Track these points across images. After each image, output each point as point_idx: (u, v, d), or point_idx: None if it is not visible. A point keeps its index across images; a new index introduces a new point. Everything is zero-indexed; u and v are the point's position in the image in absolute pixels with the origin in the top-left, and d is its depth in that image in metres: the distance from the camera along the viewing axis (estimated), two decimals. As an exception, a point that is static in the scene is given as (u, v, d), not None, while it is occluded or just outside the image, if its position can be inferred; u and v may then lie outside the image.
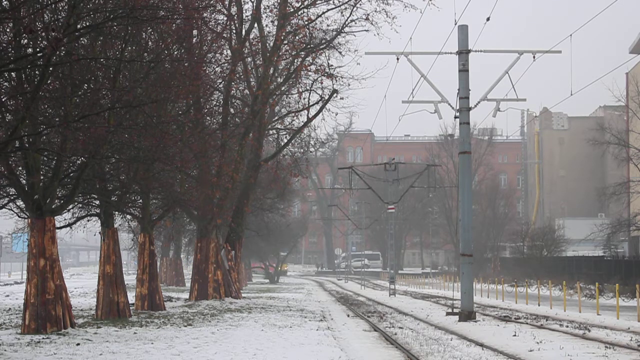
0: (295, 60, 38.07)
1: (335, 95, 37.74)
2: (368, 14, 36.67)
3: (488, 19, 26.46)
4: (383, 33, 46.91)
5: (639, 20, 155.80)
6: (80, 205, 27.44)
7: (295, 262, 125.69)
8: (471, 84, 27.59)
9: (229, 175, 36.28)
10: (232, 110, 38.43)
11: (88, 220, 29.38)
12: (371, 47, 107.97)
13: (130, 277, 55.02)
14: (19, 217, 25.56)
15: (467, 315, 26.20)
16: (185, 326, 23.27)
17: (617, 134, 55.68)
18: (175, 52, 26.31)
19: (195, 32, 30.07)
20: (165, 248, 65.97)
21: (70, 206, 25.70)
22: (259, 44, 38.79)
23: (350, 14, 37.65)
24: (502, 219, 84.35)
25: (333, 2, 37.40)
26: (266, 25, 38.50)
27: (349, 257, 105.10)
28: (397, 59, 29.42)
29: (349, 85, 42.09)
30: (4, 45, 17.75)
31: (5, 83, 19.97)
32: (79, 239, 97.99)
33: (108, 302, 25.51)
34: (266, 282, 79.33)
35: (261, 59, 38.72)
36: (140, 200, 29.51)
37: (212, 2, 29.23)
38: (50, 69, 17.55)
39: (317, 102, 38.40)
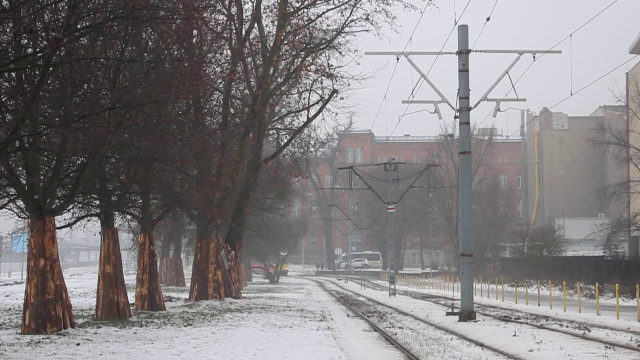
0: (295, 60, 38.06)
1: (335, 95, 37.77)
2: (368, 14, 36.71)
3: (488, 19, 26.49)
4: (383, 33, 47.09)
5: (639, 20, 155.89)
6: (80, 205, 27.45)
7: (295, 262, 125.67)
8: (471, 84, 27.61)
9: (229, 175, 36.27)
10: (232, 110, 38.43)
11: (88, 220, 29.39)
12: (371, 47, 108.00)
13: (130, 277, 55.02)
14: (19, 217, 25.56)
15: (467, 315, 26.20)
16: (185, 326, 23.27)
17: (617, 134, 55.70)
18: (175, 52, 26.31)
19: (195, 32, 30.05)
20: (165, 248, 65.98)
21: (70, 206, 25.71)
22: (259, 44, 38.79)
23: (350, 14, 37.70)
24: (502, 219, 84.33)
25: (333, 2, 37.43)
26: (266, 25, 38.57)
27: (349, 257, 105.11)
28: (397, 59, 29.43)
29: (349, 85, 42.19)
30: (4, 45, 17.76)
31: (5, 83, 19.97)
32: (79, 239, 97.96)
33: (108, 302, 25.52)
34: (266, 282, 79.33)
35: (261, 59, 38.73)
36: (140, 200, 29.51)
37: (212, 2, 29.26)
38: (50, 69, 17.55)
39: (317, 102, 38.42)
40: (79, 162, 22.91)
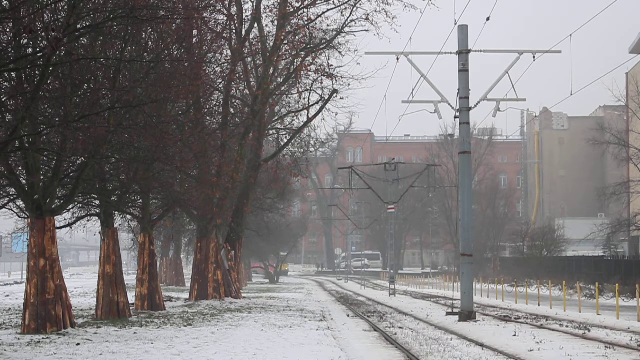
0: (295, 60, 38.06)
1: (335, 95, 37.77)
2: (368, 14, 36.71)
3: (488, 19, 26.49)
4: (383, 33, 47.09)
5: (639, 20, 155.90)
6: (80, 205, 27.45)
7: (295, 262, 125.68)
8: (471, 84, 27.61)
9: (229, 175, 36.28)
10: (232, 110, 38.43)
11: (88, 220, 29.39)
12: (371, 47, 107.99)
13: (130, 277, 55.02)
14: (19, 217, 25.56)
15: (467, 315, 26.20)
16: (185, 326, 23.27)
17: (617, 134, 55.70)
18: (175, 52, 26.31)
19: (195, 32, 30.06)
20: (165, 248, 65.98)
21: (70, 206, 25.71)
22: (259, 44, 38.79)
23: (350, 14, 37.70)
24: (502, 219, 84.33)
25: (333, 2, 37.43)
26: (266, 25, 38.57)
27: (349, 257, 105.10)
28: (397, 59, 29.44)
29: (349, 85, 42.19)
30: (4, 45, 17.76)
31: (5, 83, 19.97)
32: (79, 239, 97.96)
33: (108, 302, 25.52)
34: (266, 282, 79.33)
35: (261, 59, 38.73)
36: (140, 200, 29.51)
37: (212, 2, 29.25)
38: (50, 69, 17.55)
39: (317, 102, 38.42)
40: (79, 162, 22.91)
